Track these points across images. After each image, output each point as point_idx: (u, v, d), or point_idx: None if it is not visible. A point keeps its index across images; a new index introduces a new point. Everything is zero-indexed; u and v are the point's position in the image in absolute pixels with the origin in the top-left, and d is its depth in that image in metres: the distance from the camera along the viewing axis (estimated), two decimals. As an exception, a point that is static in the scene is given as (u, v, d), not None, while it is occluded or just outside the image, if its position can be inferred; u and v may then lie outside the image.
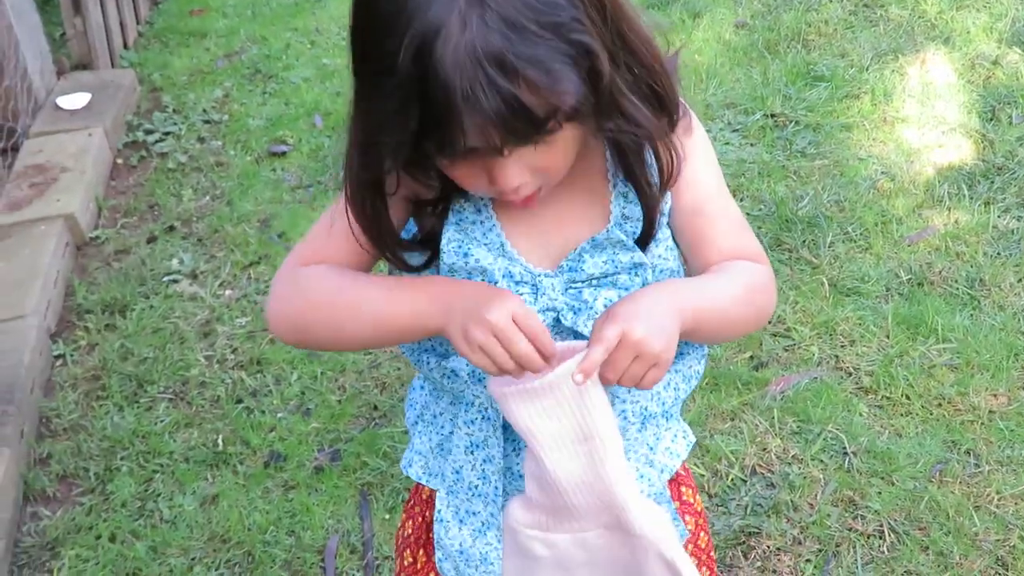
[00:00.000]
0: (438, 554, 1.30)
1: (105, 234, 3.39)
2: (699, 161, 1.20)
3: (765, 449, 2.43)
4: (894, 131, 3.54)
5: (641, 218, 1.17)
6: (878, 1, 4.37)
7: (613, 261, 1.16)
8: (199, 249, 3.27)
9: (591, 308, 1.15)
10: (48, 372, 2.85)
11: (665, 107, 1.11)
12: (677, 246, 1.24)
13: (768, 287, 1.23)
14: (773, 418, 2.49)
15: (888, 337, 2.70)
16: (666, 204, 1.19)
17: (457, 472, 1.26)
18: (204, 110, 4.03)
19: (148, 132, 3.92)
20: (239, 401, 2.68)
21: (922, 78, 3.80)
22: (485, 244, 1.15)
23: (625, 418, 1.23)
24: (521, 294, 1.15)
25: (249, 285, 3.09)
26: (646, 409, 1.24)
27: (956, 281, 2.86)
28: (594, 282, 1.16)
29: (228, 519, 2.37)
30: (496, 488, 1.24)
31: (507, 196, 1.07)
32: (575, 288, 1.16)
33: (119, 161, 3.80)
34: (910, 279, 2.88)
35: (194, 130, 3.92)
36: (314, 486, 2.44)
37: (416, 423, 1.34)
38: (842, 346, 2.69)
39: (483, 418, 1.22)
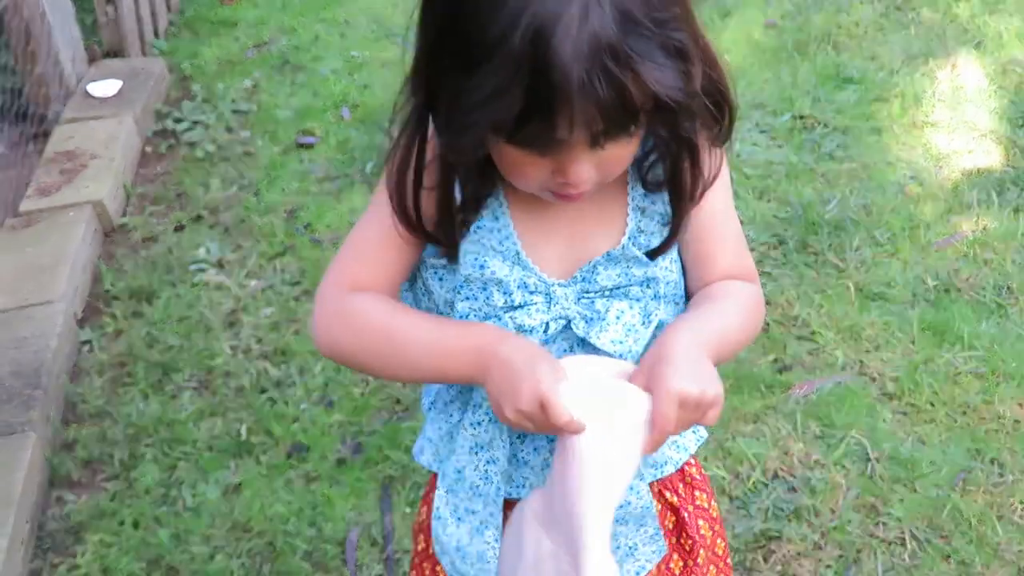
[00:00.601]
0: (435, 547, 1.31)
1: (133, 222, 3.41)
2: (722, 174, 1.21)
3: (787, 453, 2.43)
4: (923, 135, 3.52)
5: (656, 232, 1.19)
6: (910, 3, 4.35)
7: (627, 274, 1.18)
8: (226, 239, 3.29)
9: (603, 318, 1.17)
10: (75, 358, 2.88)
11: (724, 114, 1.12)
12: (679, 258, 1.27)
13: (760, 306, 1.28)
14: (796, 422, 2.49)
15: (913, 343, 2.69)
16: (667, 205, 1.20)
17: (459, 472, 1.27)
18: (233, 100, 4.04)
19: (177, 121, 3.94)
20: (263, 391, 2.70)
21: (953, 82, 3.78)
22: (501, 253, 1.17)
23: None
24: (534, 303, 1.17)
25: (275, 276, 3.10)
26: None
27: (983, 288, 2.85)
28: (607, 293, 1.18)
29: (250, 509, 2.39)
30: (498, 488, 1.25)
31: (566, 191, 1.08)
32: (588, 298, 1.18)
33: (148, 149, 3.82)
34: (937, 285, 2.87)
35: (223, 120, 3.93)
36: (336, 478, 2.45)
37: (430, 409, 1.35)
38: (867, 351, 2.68)
39: (490, 420, 1.22)
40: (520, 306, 1.17)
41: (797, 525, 2.26)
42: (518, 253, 1.17)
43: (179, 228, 3.37)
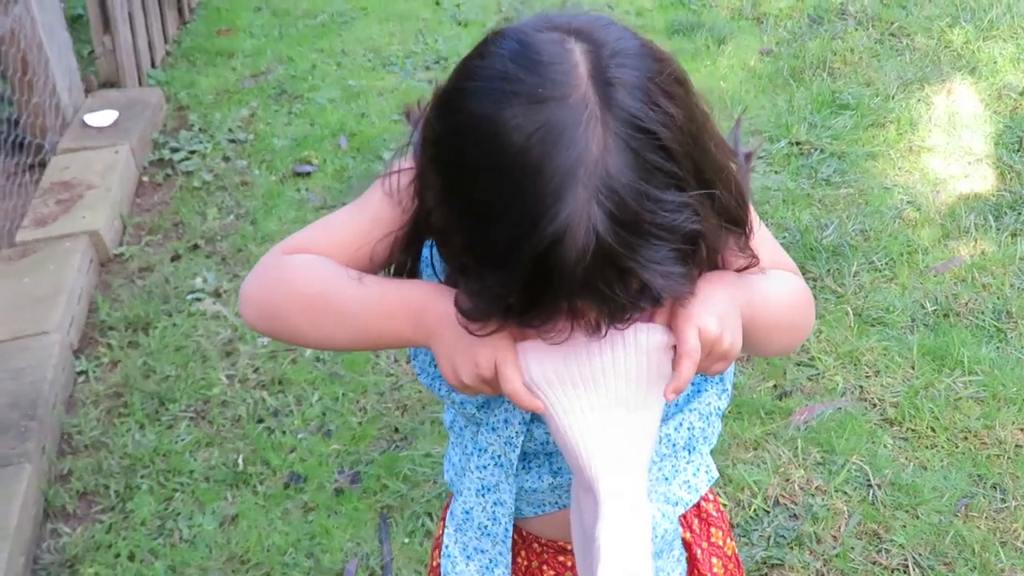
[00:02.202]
0: None
1: (129, 251, 3.40)
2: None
3: (788, 480, 2.41)
4: (920, 160, 3.53)
5: None
6: (904, 30, 4.37)
7: None
8: (223, 268, 3.28)
9: None
10: (70, 388, 2.86)
11: (742, 226, 1.09)
12: None
13: (809, 299, 1.22)
14: (797, 448, 2.47)
15: (913, 368, 2.68)
16: None
17: (467, 512, 1.25)
18: (230, 129, 4.05)
19: (174, 150, 3.94)
20: (260, 421, 2.68)
21: (948, 108, 3.79)
22: None
23: None
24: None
25: (272, 305, 3.08)
26: (656, 451, 1.21)
27: (982, 313, 2.84)
28: None
29: (247, 540, 2.36)
30: (506, 529, 1.23)
31: None
32: None
33: (145, 179, 3.82)
34: (936, 310, 2.86)
35: (219, 149, 3.94)
36: (334, 508, 2.43)
37: (450, 430, 1.33)
38: (867, 376, 2.67)
39: (495, 464, 1.20)
40: None
41: (799, 553, 2.24)
42: None
43: (176, 258, 3.36)
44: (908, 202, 3.32)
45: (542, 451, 1.21)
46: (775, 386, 2.67)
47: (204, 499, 2.48)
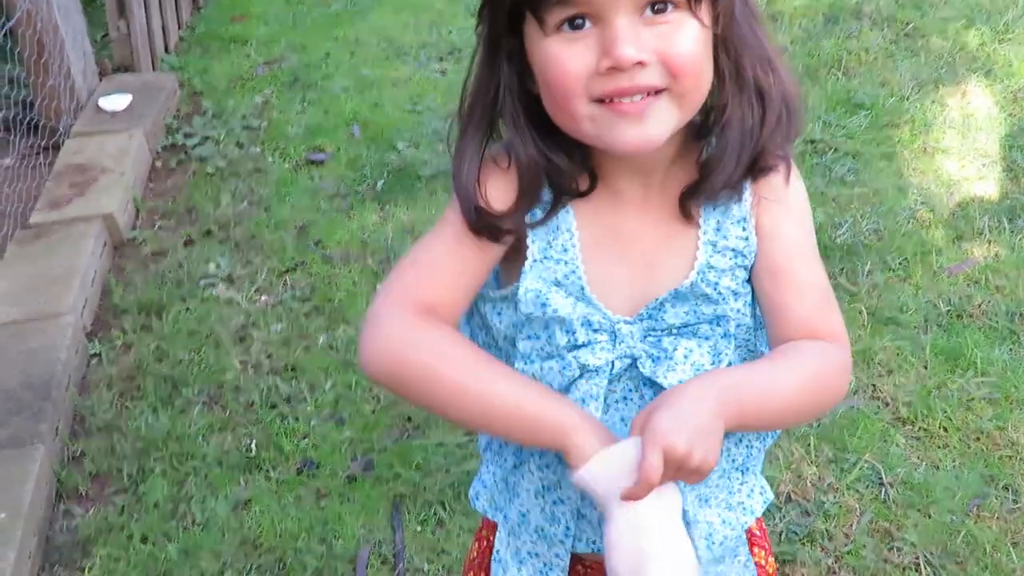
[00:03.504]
0: None
1: (143, 235, 3.41)
2: (792, 216, 1.14)
3: (800, 476, 2.41)
4: (934, 162, 3.53)
5: (728, 270, 1.12)
6: (919, 31, 4.36)
7: (695, 312, 1.11)
8: (236, 254, 3.29)
9: (670, 357, 1.11)
10: (83, 370, 2.87)
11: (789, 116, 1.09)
12: (755, 304, 1.18)
13: (841, 372, 1.14)
14: (809, 445, 2.48)
15: (926, 368, 2.68)
16: (742, 241, 1.13)
17: (523, 515, 1.23)
18: (243, 116, 4.05)
19: (188, 136, 3.94)
20: (273, 407, 2.69)
21: (963, 109, 3.79)
22: (565, 287, 1.11)
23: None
24: (599, 341, 1.11)
25: (285, 291, 3.09)
26: (720, 463, 1.17)
27: (996, 314, 2.84)
28: (674, 331, 1.12)
29: (260, 525, 2.37)
30: (568, 529, 1.20)
31: (617, 85, 1.00)
32: (654, 336, 1.12)
33: (158, 164, 3.83)
34: (949, 311, 2.87)
35: (233, 135, 3.94)
36: (347, 495, 2.43)
37: (486, 450, 1.31)
38: (880, 376, 2.67)
39: (559, 460, 1.14)
40: (584, 345, 1.10)
41: (811, 549, 2.24)
42: (583, 288, 1.11)
43: (189, 243, 3.37)
44: (922, 203, 3.32)
45: None
46: (788, 383, 2.67)
47: (217, 483, 2.49)
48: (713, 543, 1.20)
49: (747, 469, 1.24)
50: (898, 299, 2.91)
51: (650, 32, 0.98)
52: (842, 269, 3.03)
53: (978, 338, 2.76)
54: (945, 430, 2.52)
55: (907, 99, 3.87)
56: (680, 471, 1.01)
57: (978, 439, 2.49)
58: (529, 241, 1.12)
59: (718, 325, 1.12)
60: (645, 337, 1.11)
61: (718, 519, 1.20)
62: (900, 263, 3.05)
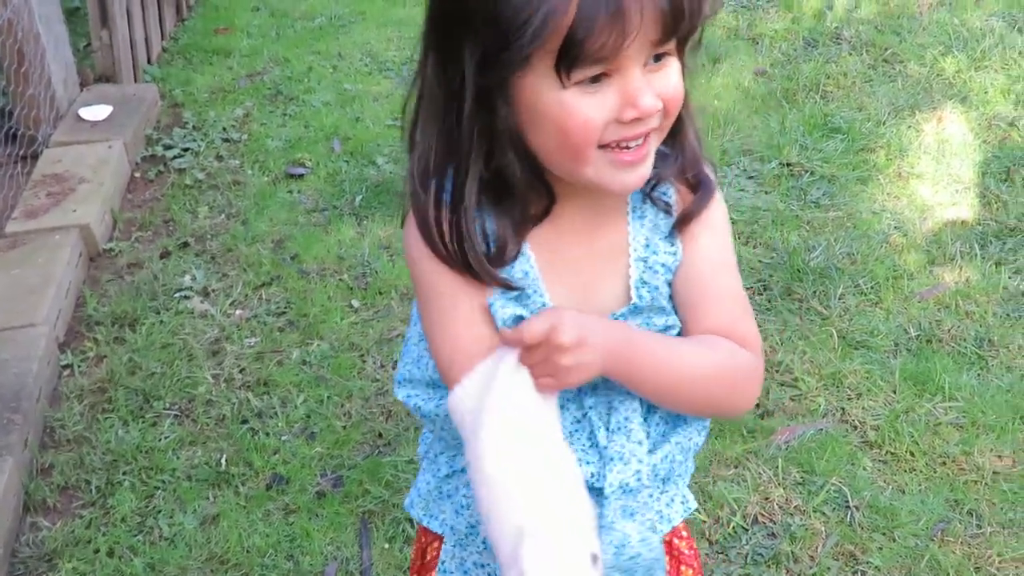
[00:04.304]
0: None
1: (119, 246, 3.40)
2: (714, 231, 1.20)
3: (768, 498, 2.43)
4: (908, 187, 3.56)
5: (660, 285, 1.18)
6: (897, 57, 4.41)
7: (648, 324, 1.18)
8: (212, 267, 3.29)
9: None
10: (55, 382, 2.86)
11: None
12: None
13: (749, 375, 1.19)
14: (777, 467, 2.49)
15: (895, 392, 2.71)
16: (670, 256, 1.19)
17: (472, 527, 1.25)
18: (224, 128, 4.06)
19: (167, 147, 3.94)
20: (244, 422, 2.69)
21: (938, 135, 3.83)
22: (528, 307, 1.16)
23: (639, 478, 1.20)
24: None
25: (260, 306, 3.10)
26: (648, 476, 1.21)
27: (965, 340, 2.87)
28: None
29: (227, 540, 2.37)
30: None
31: (634, 131, 1.05)
32: None
33: (137, 175, 3.83)
34: (919, 335, 2.89)
35: (213, 148, 3.94)
36: (315, 511, 2.44)
37: (423, 458, 1.34)
38: (849, 399, 2.69)
39: None
40: None
41: (776, 571, 2.26)
42: (544, 305, 1.16)
43: (165, 255, 3.37)
44: (895, 227, 3.35)
45: None
46: (758, 405, 2.68)
47: (186, 498, 2.48)
48: (623, 555, 1.21)
49: (669, 479, 1.27)
50: (869, 323, 2.94)
51: (653, 79, 1.04)
52: (814, 292, 3.05)
53: (947, 363, 2.79)
54: (912, 454, 2.53)
55: (883, 124, 3.91)
56: (548, 361, 1.07)
57: (944, 463, 2.51)
58: None
59: (668, 333, 1.18)
60: None
61: (636, 535, 1.22)
62: (872, 287, 3.08)
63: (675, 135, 1.14)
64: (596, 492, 1.18)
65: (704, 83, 4.27)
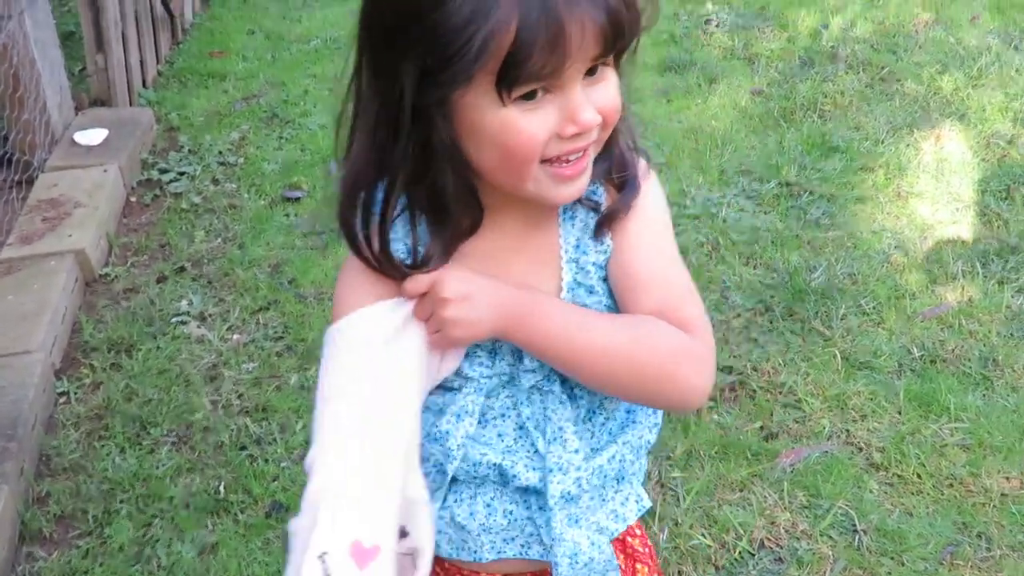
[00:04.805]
0: None
1: (115, 272, 3.38)
2: (643, 218, 1.17)
3: (774, 523, 2.40)
4: (908, 206, 3.55)
5: (596, 285, 1.17)
6: (894, 75, 4.41)
7: None
8: (208, 291, 3.26)
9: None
10: (51, 409, 2.83)
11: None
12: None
13: (685, 356, 1.12)
14: (783, 491, 2.47)
15: (900, 413, 2.68)
16: (602, 254, 1.17)
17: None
18: (220, 152, 4.04)
19: (163, 171, 3.92)
20: (242, 448, 2.65)
21: (937, 154, 3.82)
22: None
23: (579, 485, 1.19)
24: (478, 356, 1.17)
25: (257, 330, 3.07)
26: (588, 482, 1.21)
27: (969, 360, 2.85)
28: None
29: (227, 569, 2.33)
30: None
31: (574, 145, 1.05)
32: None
33: (133, 199, 3.80)
34: (923, 356, 2.87)
35: (209, 171, 3.92)
36: (315, 539, 2.39)
37: None
38: (853, 420, 2.67)
39: (438, 471, 1.22)
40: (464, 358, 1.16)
41: (784, 597, 2.23)
42: None
43: (161, 279, 3.34)
44: (896, 247, 3.33)
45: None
46: (762, 428, 2.66)
47: (184, 526, 2.45)
48: (577, 563, 1.20)
49: (622, 478, 1.27)
50: (872, 343, 2.92)
51: (591, 92, 1.04)
52: (816, 313, 3.03)
53: (951, 383, 2.76)
54: (919, 476, 2.51)
55: (882, 143, 3.90)
56: (435, 315, 1.10)
57: (951, 485, 2.48)
58: None
59: None
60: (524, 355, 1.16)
61: (586, 540, 1.21)
62: (874, 307, 3.06)
63: (606, 141, 1.14)
64: (542, 497, 1.20)
65: (701, 103, 4.27)
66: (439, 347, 1.13)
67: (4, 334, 2.94)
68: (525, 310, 1.11)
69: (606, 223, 1.16)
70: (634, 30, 1.03)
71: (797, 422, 2.68)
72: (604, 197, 1.18)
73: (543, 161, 1.05)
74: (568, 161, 1.06)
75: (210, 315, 3.14)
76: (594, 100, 1.04)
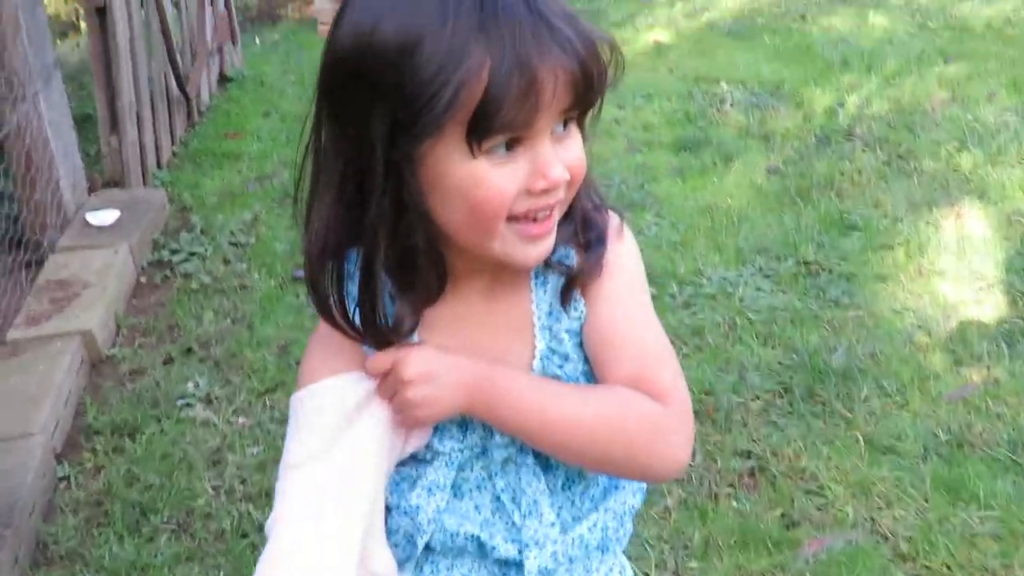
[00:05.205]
0: None
1: (122, 353, 3.33)
2: (618, 277, 1.13)
3: (797, 617, 2.29)
4: (930, 284, 3.47)
5: (572, 354, 1.13)
6: (912, 153, 4.37)
7: None
8: (215, 373, 3.20)
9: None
10: (50, 494, 2.75)
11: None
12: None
13: (655, 427, 1.07)
14: (806, 583, 2.36)
15: (927, 501, 2.57)
16: (577, 320, 1.12)
17: None
18: (232, 232, 4.02)
19: (174, 252, 3.90)
20: (244, 536, 2.57)
21: (958, 232, 3.75)
22: None
23: (555, 559, 1.16)
24: (448, 429, 1.13)
25: (263, 413, 3.00)
26: (567, 554, 1.17)
27: (998, 444, 2.74)
28: None
29: (223, 665, 2.24)
30: None
31: (542, 202, 1.02)
32: None
33: (142, 279, 3.77)
34: (949, 440, 2.77)
35: (220, 251, 3.90)
36: (317, 633, 2.30)
37: None
38: (879, 508, 2.56)
39: (408, 542, 1.17)
40: (433, 432, 1.13)
41: None
42: None
43: (168, 361, 3.29)
44: (918, 326, 3.25)
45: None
46: (783, 515, 2.56)
47: (181, 619, 2.36)
48: None
49: (607, 548, 1.21)
50: (896, 426, 2.82)
51: (559, 149, 1.01)
52: (838, 394, 2.94)
53: (980, 469, 2.66)
54: (948, 568, 2.39)
55: (901, 221, 3.84)
56: (397, 397, 1.06)
57: (983, 577, 2.37)
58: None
59: None
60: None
61: None
62: (897, 388, 2.97)
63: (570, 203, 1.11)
64: (521, 570, 1.16)
65: (716, 181, 4.23)
66: (403, 426, 1.10)
67: (6, 417, 2.89)
68: (491, 388, 1.06)
69: (573, 284, 1.12)
70: (603, 83, 1.00)
71: (820, 509, 2.57)
72: (575, 260, 1.12)
73: (510, 218, 1.01)
74: (535, 219, 1.03)
75: (216, 397, 3.08)
76: (561, 157, 1.01)
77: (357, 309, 1.08)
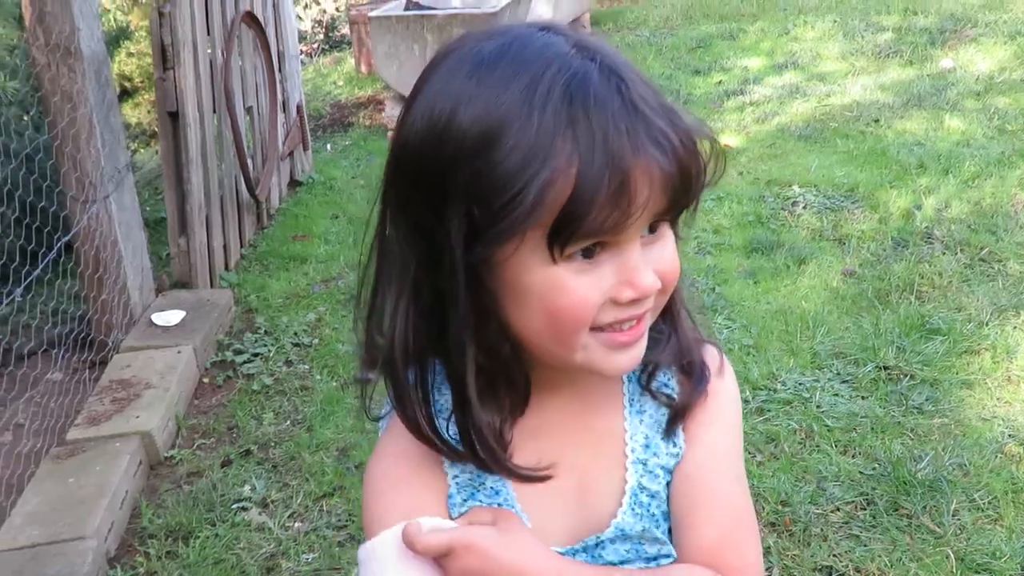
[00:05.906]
0: None
1: (180, 454, 3.27)
2: (720, 426, 1.04)
3: None
4: (1020, 391, 3.29)
5: (660, 491, 1.03)
6: (995, 255, 4.21)
7: (637, 550, 1.02)
8: (273, 476, 3.12)
9: None
10: (100, 600, 2.67)
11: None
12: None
13: None
14: None
15: (1027, 624, 2.37)
16: (673, 459, 1.03)
17: None
18: (295, 333, 3.98)
19: (238, 352, 3.87)
20: (295, 648, 2.45)
21: (1047, 336, 3.57)
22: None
23: None
24: None
25: (320, 518, 2.90)
26: None
27: (1103, 563, 2.53)
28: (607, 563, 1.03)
29: None
30: None
31: (630, 313, 0.92)
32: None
33: (205, 380, 3.74)
34: (1049, 558, 2.57)
35: (283, 352, 3.86)
36: None
37: None
38: (974, 632, 2.37)
39: None
40: None
41: None
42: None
43: (226, 463, 3.22)
44: (1010, 435, 3.06)
45: None
46: (868, 638, 2.37)
47: None
48: None
49: None
50: (989, 543, 2.62)
51: (648, 252, 0.92)
52: (924, 507, 2.75)
53: (1085, 590, 2.45)
54: None
55: (986, 324, 3.67)
56: (446, 554, 0.94)
57: None
58: (451, 479, 1.04)
59: (658, 563, 1.02)
60: None
61: None
62: (989, 502, 2.78)
63: (666, 312, 1.01)
64: None
65: (790, 284, 4.11)
66: None
67: (61, 518, 2.83)
68: None
69: (679, 419, 1.02)
70: (700, 182, 0.90)
71: (909, 632, 2.38)
72: (676, 390, 1.03)
73: (593, 328, 0.91)
74: (622, 328, 0.93)
75: (272, 501, 3.00)
76: (652, 261, 0.92)
77: (444, 422, 1.00)
